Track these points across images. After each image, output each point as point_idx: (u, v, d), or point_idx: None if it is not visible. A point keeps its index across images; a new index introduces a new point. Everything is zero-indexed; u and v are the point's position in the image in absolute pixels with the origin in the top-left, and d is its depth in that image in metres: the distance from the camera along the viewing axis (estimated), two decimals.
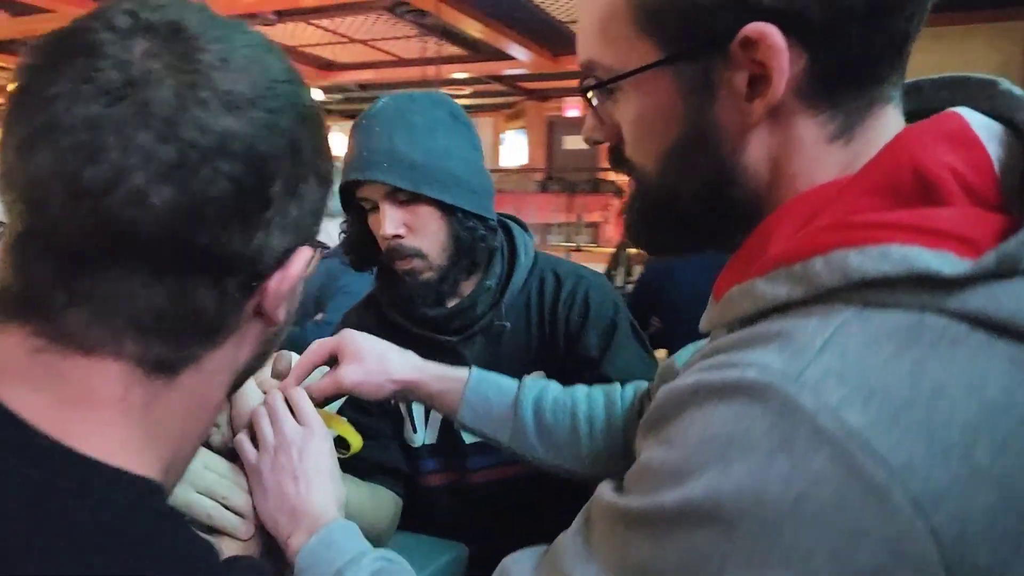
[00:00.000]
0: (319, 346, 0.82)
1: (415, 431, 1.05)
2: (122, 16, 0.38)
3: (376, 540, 0.97)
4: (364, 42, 6.73)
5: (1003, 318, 0.36)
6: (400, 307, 1.04)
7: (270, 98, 0.41)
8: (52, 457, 0.38)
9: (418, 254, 0.96)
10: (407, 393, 0.83)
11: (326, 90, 7.93)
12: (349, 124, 1.07)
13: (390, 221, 0.94)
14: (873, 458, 0.34)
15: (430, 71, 6.33)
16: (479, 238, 0.98)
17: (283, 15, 5.89)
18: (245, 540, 0.68)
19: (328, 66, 7.69)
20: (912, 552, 0.34)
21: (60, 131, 0.36)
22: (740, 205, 0.47)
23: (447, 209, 0.95)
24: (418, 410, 1.05)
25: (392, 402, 1.03)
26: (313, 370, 0.82)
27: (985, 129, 0.42)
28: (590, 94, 0.52)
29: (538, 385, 0.84)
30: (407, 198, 0.94)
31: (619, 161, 0.53)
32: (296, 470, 0.68)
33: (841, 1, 0.41)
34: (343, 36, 6.57)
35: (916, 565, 0.34)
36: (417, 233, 0.96)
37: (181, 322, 0.41)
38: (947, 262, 0.36)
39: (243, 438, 0.71)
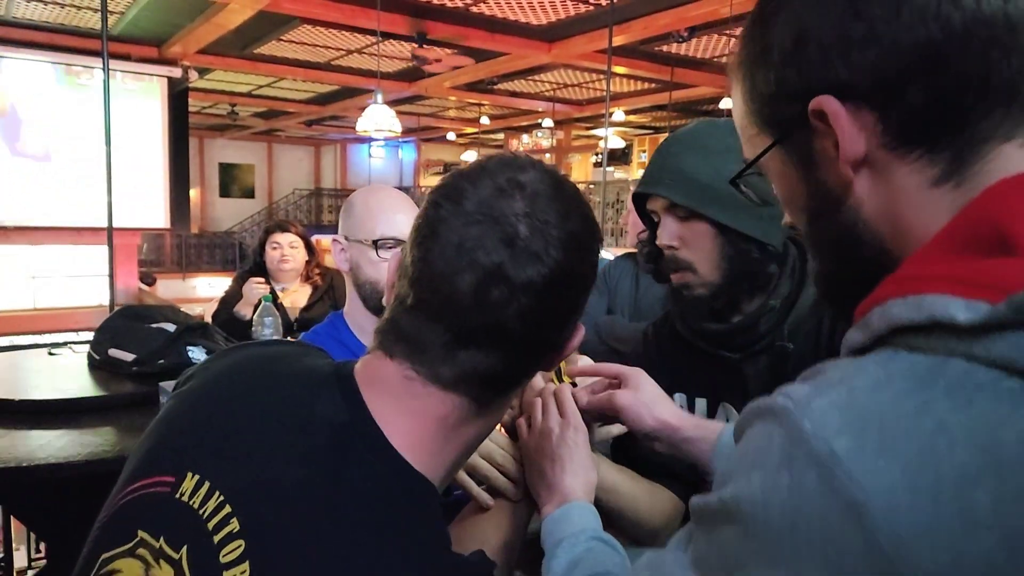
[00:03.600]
0: (611, 368, 0.93)
1: None
2: (505, 182, 0.58)
3: (652, 536, 1.05)
4: None
5: None
6: (685, 321, 1.09)
7: (586, 238, 0.60)
8: (374, 440, 0.58)
9: (690, 268, 1.01)
10: (662, 434, 0.87)
11: None
12: None
13: (666, 232, 1.02)
14: (852, 482, 0.36)
15: None
16: (753, 261, 0.99)
17: (696, 30, 6.10)
18: (515, 502, 0.84)
19: None
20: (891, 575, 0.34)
21: (480, 268, 0.55)
22: (876, 264, 0.48)
23: (722, 229, 0.98)
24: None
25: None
26: (596, 378, 0.93)
27: None
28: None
29: None
30: (685, 214, 1.00)
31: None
32: (553, 454, 0.81)
33: (886, 62, 0.44)
34: None
35: None
36: (690, 247, 1.01)
37: (512, 379, 0.63)
38: (966, 309, 0.37)
39: (522, 422, 0.87)
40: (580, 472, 0.81)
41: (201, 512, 0.55)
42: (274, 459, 0.57)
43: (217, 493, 0.55)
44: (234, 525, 0.53)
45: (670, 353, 1.13)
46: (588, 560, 0.70)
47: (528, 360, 0.62)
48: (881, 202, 0.48)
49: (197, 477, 0.57)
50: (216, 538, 0.53)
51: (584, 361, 1.00)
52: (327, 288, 2.87)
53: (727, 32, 6.26)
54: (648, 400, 0.88)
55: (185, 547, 0.54)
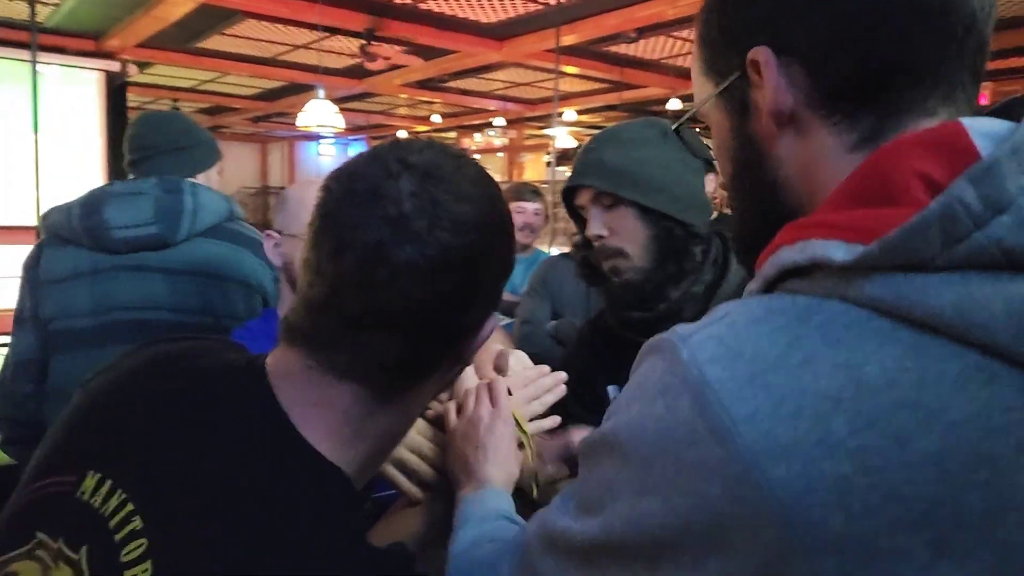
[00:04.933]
0: (546, 373, 0.94)
1: None
2: (394, 163, 0.57)
3: None
4: None
5: (902, 307, 0.37)
6: (612, 313, 1.11)
7: (484, 222, 0.58)
8: (285, 432, 0.57)
9: (620, 253, 1.06)
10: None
11: (684, 98, 8.05)
12: None
13: (594, 223, 1.07)
14: (720, 406, 0.37)
15: None
16: (677, 238, 1.03)
17: (644, 31, 6.16)
18: (445, 495, 0.83)
19: (687, 75, 7.79)
20: (750, 498, 0.36)
21: (360, 247, 0.54)
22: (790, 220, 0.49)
23: (644, 211, 1.03)
24: None
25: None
26: (534, 383, 0.93)
27: (992, 138, 0.40)
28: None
29: None
30: (610, 202, 1.06)
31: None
32: (479, 441, 0.81)
33: (823, 25, 0.46)
34: None
35: (755, 512, 0.36)
36: (619, 234, 1.06)
37: (410, 366, 0.60)
38: (843, 251, 0.39)
39: (450, 407, 0.86)
40: (502, 463, 0.81)
41: (102, 511, 0.53)
42: (181, 455, 0.55)
43: (119, 491, 0.54)
44: (136, 523, 0.52)
45: (603, 348, 1.15)
46: (491, 534, 0.70)
47: (426, 346, 0.60)
48: (801, 162, 0.49)
49: (99, 475, 0.55)
50: (117, 537, 0.52)
51: (517, 357, 1.00)
52: None
53: (673, 34, 6.35)
54: None
55: (85, 547, 0.52)
